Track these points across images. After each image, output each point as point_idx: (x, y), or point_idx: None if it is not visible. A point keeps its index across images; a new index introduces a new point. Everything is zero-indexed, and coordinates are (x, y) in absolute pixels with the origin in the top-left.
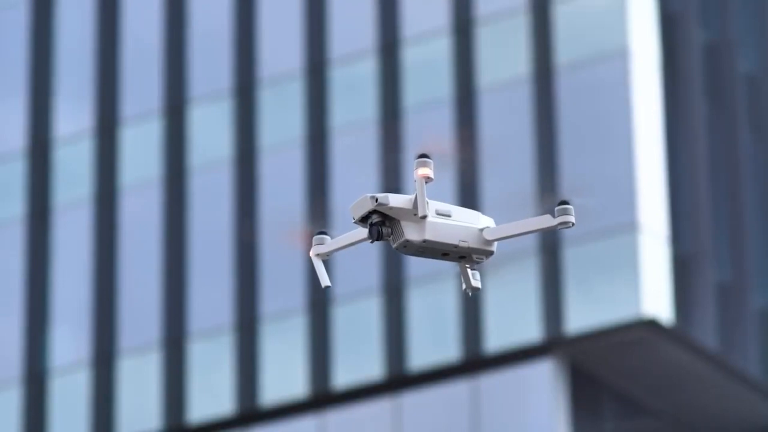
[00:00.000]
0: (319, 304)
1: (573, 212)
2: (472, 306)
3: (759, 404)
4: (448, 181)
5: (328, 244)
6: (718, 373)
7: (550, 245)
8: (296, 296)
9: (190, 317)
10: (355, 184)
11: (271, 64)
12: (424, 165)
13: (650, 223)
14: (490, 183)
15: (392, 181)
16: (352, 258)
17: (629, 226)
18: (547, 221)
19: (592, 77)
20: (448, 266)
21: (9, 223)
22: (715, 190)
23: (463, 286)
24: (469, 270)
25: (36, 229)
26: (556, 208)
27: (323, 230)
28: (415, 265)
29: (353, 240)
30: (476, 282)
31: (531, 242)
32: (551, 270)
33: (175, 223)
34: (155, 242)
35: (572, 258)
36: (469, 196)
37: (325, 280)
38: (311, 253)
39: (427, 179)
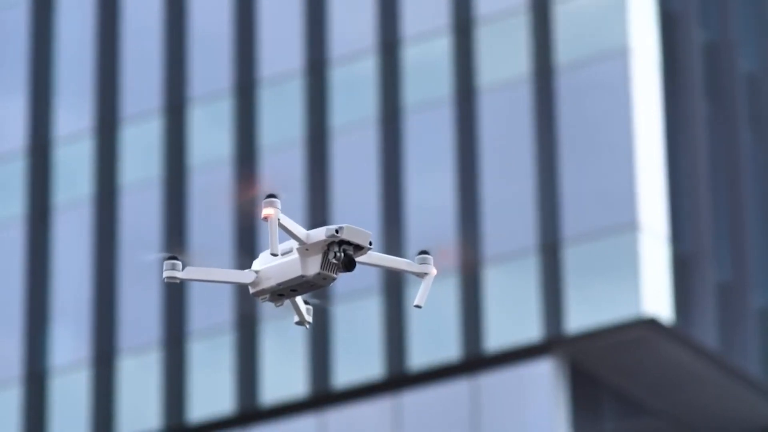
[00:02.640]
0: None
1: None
2: (472, 305)
3: (759, 404)
4: (449, 183)
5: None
6: (718, 373)
7: (550, 245)
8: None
9: (190, 317)
10: (355, 184)
11: (271, 63)
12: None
13: (650, 222)
14: (490, 183)
15: (392, 180)
16: None
17: (629, 226)
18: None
19: (592, 77)
20: (448, 266)
21: (9, 222)
22: (715, 189)
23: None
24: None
25: (36, 228)
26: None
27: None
28: None
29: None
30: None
31: (531, 242)
32: (551, 269)
33: (175, 222)
34: (155, 242)
35: (572, 257)
36: (469, 195)
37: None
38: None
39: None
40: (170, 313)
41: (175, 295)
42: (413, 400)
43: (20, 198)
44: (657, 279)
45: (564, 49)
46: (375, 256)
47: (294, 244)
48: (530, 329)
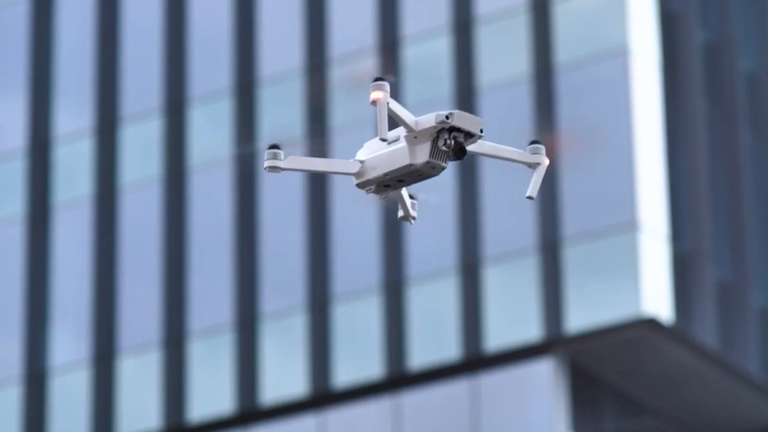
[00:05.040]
0: (319, 304)
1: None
2: (472, 305)
3: (759, 404)
4: (448, 177)
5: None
6: (718, 372)
7: (550, 245)
8: (296, 296)
9: (190, 317)
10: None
11: (271, 63)
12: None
13: (650, 221)
14: (490, 182)
15: None
16: (352, 257)
17: (629, 225)
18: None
19: (592, 77)
20: (449, 265)
21: (9, 222)
22: (715, 189)
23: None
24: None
25: (36, 228)
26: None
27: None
28: (415, 264)
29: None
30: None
31: (531, 241)
32: (551, 269)
33: (175, 222)
34: (155, 242)
35: (572, 257)
36: (469, 195)
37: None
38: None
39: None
40: (170, 313)
41: (175, 295)
42: (413, 400)
43: (20, 197)
44: (657, 279)
45: (564, 49)
46: (485, 145)
47: (401, 132)
48: (530, 329)
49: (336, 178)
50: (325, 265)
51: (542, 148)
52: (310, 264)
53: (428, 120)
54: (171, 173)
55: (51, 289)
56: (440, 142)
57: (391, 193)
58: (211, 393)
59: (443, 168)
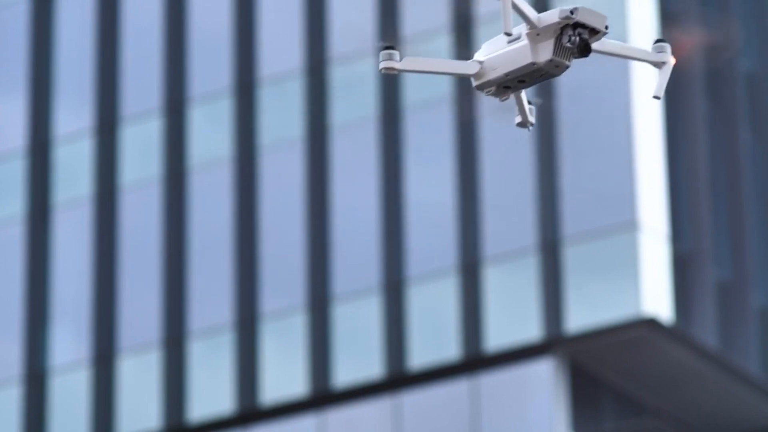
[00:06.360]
0: (319, 304)
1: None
2: (472, 305)
3: (759, 404)
4: (449, 182)
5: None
6: (718, 372)
7: (550, 244)
8: (296, 296)
9: (190, 317)
10: (355, 184)
11: (271, 63)
12: None
13: (650, 221)
14: (490, 182)
15: (392, 180)
16: (352, 257)
17: (629, 225)
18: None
19: (592, 76)
20: (449, 265)
21: (9, 222)
22: (715, 189)
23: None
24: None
25: (36, 228)
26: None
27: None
28: (415, 264)
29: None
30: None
31: (531, 241)
32: (551, 269)
33: (175, 222)
34: (155, 242)
35: (572, 257)
36: (469, 195)
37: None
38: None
39: None
40: (170, 313)
41: (175, 295)
42: (413, 400)
43: (20, 197)
44: (657, 279)
45: None
46: (610, 43)
47: (522, 29)
48: (530, 329)
49: (338, 176)
50: (325, 265)
51: (668, 46)
52: (310, 264)
53: (551, 16)
54: (171, 173)
55: (51, 289)
56: (564, 39)
57: (511, 96)
58: (211, 393)
59: (567, 67)
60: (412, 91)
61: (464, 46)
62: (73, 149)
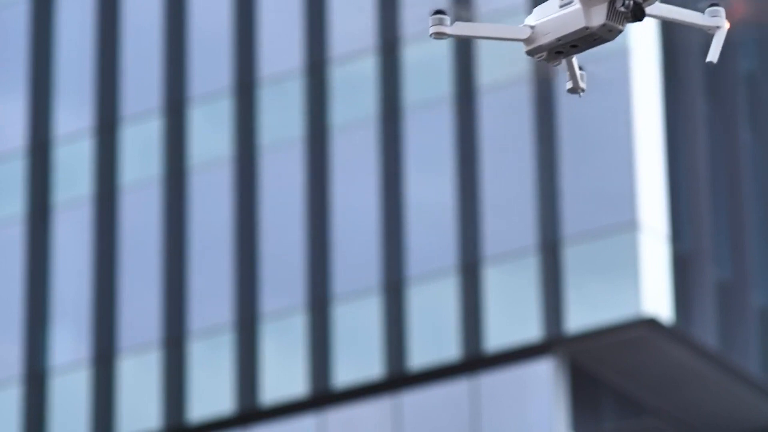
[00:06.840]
0: (319, 304)
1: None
2: (471, 305)
3: (759, 404)
4: (449, 182)
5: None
6: (718, 372)
7: (550, 244)
8: (296, 296)
9: (190, 317)
10: (355, 184)
11: (271, 63)
12: None
13: (650, 221)
14: (490, 182)
15: (392, 180)
16: (352, 257)
17: (629, 225)
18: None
19: (592, 76)
20: (449, 265)
21: (9, 222)
22: (715, 188)
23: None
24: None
25: (36, 228)
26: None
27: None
28: (415, 264)
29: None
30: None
31: (531, 241)
32: (551, 269)
33: (175, 222)
34: (155, 242)
35: (572, 257)
36: (469, 195)
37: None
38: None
39: None
40: (170, 313)
41: (175, 295)
42: (413, 400)
43: (20, 197)
44: (657, 279)
45: None
46: (664, 8)
47: None
48: (530, 329)
49: (338, 176)
50: (325, 265)
51: (722, 11)
52: (310, 264)
53: None
54: (171, 173)
55: (51, 289)
56: (618, 3)
57: (563, 62)
58: (211, 393)
59: (620, 31)
60: (412, 91)
61: (464, 45)
62: (73, 149)
